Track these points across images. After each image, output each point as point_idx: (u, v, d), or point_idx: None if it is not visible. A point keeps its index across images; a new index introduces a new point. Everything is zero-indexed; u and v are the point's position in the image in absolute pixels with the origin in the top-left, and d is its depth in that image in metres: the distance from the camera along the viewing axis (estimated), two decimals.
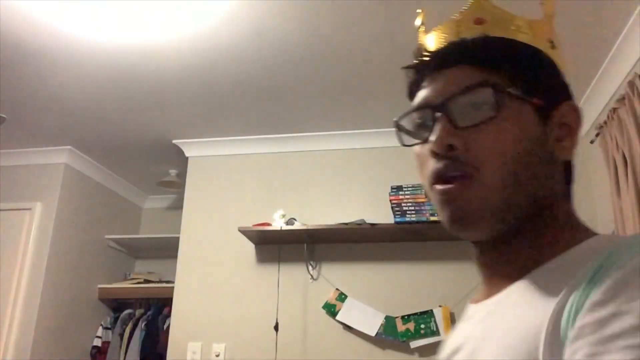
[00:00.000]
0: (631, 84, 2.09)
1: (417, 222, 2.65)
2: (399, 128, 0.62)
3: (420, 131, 0.59)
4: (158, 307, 3.54)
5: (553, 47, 0.62)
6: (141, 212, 4.24)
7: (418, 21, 0.70)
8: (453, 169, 0.53)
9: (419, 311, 2.69)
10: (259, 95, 2.71)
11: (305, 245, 2.90)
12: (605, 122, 2.34)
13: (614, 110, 2.23)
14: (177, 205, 3.78)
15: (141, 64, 2.43)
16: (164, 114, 2.94)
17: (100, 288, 3.60)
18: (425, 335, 2.63)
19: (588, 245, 0.52)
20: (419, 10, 0.71)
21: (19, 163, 3.37)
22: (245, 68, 2.47)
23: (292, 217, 2.92)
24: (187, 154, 3.32)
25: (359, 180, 3.06)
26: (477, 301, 0.61)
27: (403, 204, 2.69)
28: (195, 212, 3.20)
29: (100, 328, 3.54)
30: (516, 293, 0.53)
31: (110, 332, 3.54)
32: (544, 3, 0.68)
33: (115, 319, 3.57)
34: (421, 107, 0.59)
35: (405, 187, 2.72)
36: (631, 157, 2.07)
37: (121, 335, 3.46)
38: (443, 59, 0.59)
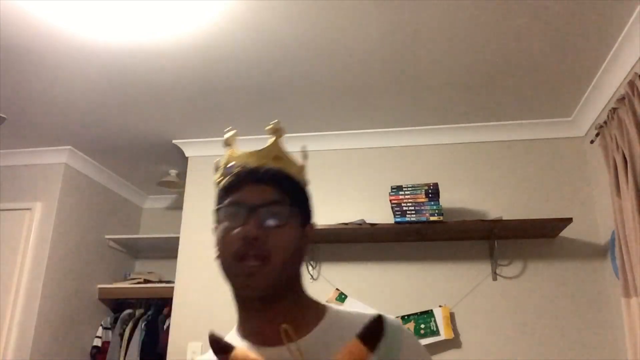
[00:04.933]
0: (631, 84, 2.09)
1: (417, 222, 2.65)
2: (217, 212, 0.87)
3: (230, 219, 0.83)
4: (158, 307, 3.54)
5: (302, 173, 0.94)
6: (141, 212, 4.25)
7: (228, 135, 0.97)
8: (254, 251, 0.79)
9: (419, 311, 2.69)
10: (258, 95, 2.71)
11: None
12: (605, 122, 2.34)
13: (614, 110, 2.23)
14: (177, 205, 3.78)
15: (141, 64, 2.43)
16: (164, 114, 2.94)
17: (100, 288, 3.60)
18: (425, 335, 2.63)
19: (338, 317, 0.88)
20: (230, 131, 0.99)
21: (19, 163, 3.37)
22: (245, 68, 2.47)
23: None
24: (187, 154, 3.32)
25: (359, 180, 3.06)
26: (273, 344, 0.81)
27: (403, 204, 2.69)
28: (195, 212, 3.20)
29: (100, 328, 3.54)
30: (324, 336, 0.83)
31: (110, 332, 3.54)
32: (302, 160, 0.96)
33: (115, 319, 3.57)
34: (239, 204, 0.83)
35: (405, 187, 2.72)
36: (631, 157, 2.06)
37: (121, 335, 3.46)
38: (259, 177, 0.85)
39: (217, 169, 0.95)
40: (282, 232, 0.82)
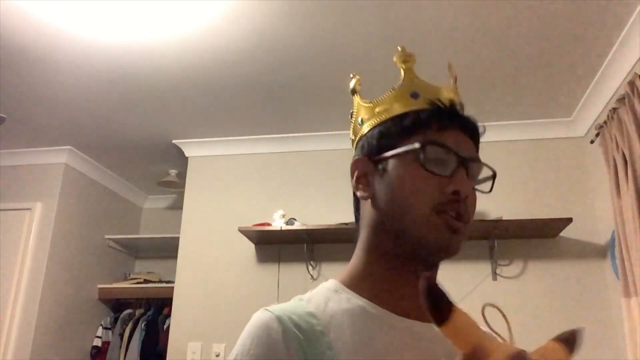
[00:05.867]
0: (631, 84, 2.09)
1: None
2: (423, 148, 0.68)
3: (430, 164, 0.67)
4: (158, 307, 3.54)
5: None
6: (141, 212, 4.24)
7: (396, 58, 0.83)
8: (457, 209, 0.67)
9: None
10: (259, 95, 2.71)
11: (305, 245, 2.90)
12: (605, 122, 2.34)
13: (614, 110, 2.23)
14: (177, 205, 3.78)
15: (141, 64, 2.43)
16: (164, 114, 2.94)
17: (100, 288, 3.60)
18: None
19: None
20: (397, 49, 0.83)
21: (19, 163, 3.37)
22: (245, 68, 2.46)
23: (292, 217, 2.91)
24: (187, 154, 3.32)
25: None
26: (423, 319, 0.67)
27: None
28: (195, 212, 3.20)
29: (100, 328, 3.55)
30: None
31: (110, 332, 3.54)
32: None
33: (115, 319, 3.57)
34: (450, 151, 0.68)
35: None
36: (631, 157, 2.06)
37: (121, 335, 3.46)
38: (466, 126, 0.71)
39: (354, 91, 0.84)
40: (475, 196, 0.71)
